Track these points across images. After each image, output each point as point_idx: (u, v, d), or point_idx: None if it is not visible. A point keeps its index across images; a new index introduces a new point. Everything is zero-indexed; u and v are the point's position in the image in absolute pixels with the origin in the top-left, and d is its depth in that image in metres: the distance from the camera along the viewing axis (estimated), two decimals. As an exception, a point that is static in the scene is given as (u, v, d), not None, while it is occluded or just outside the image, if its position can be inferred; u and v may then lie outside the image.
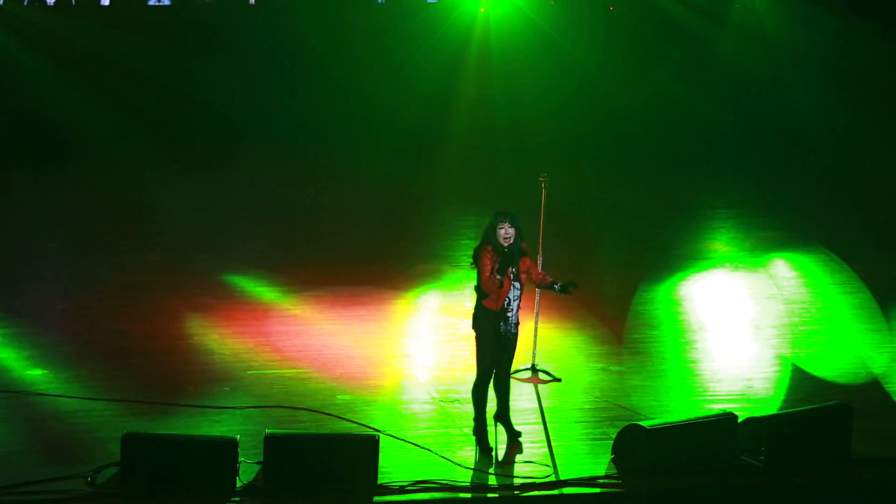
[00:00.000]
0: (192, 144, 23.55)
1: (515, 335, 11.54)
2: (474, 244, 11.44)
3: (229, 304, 15.32)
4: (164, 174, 21.38)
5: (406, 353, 13.87)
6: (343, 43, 24.31)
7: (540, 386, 12.95)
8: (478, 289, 11.41)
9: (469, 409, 12.17)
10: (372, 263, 17.13)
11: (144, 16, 24.12)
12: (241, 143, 23.40)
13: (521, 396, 12.49)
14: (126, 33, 23.80)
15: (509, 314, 11.37)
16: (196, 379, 13.00)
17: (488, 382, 11.57)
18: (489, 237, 11.33)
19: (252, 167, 22.08)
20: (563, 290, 11.67)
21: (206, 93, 23.76)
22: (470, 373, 13.25)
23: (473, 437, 11.58)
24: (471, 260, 11.42)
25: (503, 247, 11.26)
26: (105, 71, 23.71)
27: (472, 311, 11.51)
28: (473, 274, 11.39)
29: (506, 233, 11.27)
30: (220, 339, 14.20)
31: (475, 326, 11.48)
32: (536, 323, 12.78)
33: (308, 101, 24.03)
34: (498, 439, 11.59)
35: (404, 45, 24.51)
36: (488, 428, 11.62)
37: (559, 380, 13.11)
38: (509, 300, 11.33)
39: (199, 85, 23.87)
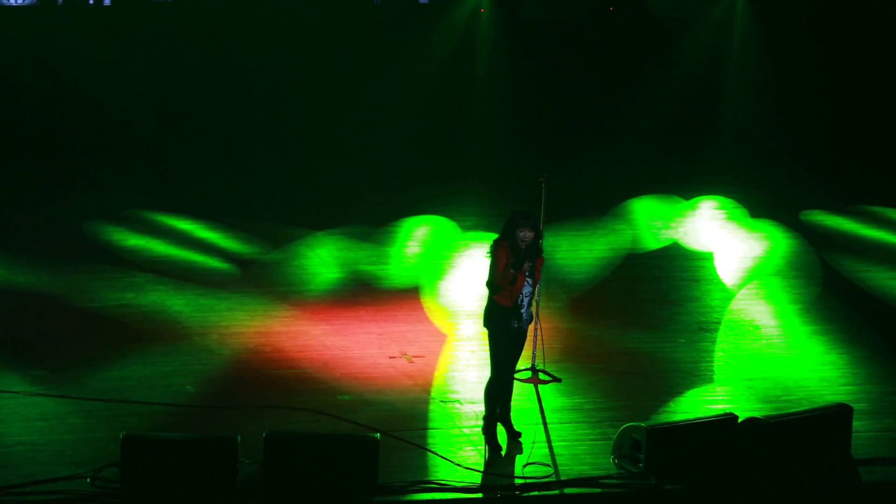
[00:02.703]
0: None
1: (526, 332, 11.55)
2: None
3: (230, 304, 15.32)
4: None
5: (406, 353, 13.87)
6: (342, 42, 24.23)
7: (540, 386, 12.95)
8: (490, 285, 11.40)
9: (469, 409, 12.18)
10: (371, 264, 17.13)
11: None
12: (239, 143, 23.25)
13: (521, 396, 12.49)
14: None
15: (522, 311, 11.37)
16: (196, 379, 13.01)
17: (503, 381, 11.57)
18: (507, 233, 11.35)
19: (251, 167, 22.05)
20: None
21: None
22: (470, 373, 13.30)
23: (483, 436, 11.59)
24: (489, 251, 11.41)
25: (520, 248, 11.28)
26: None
27: (484, 309, 11.50)
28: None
29: (524, 236, 11.27)
30: (220, 339, 14.20)
31: (487, 324, 11.47)
32: (537, 323, 12.77)
33: (307, 101, 23.96)
34: (498, 439, 11.58)
35: (403, 44, 24.42)
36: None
37: (559, 380, 13.12)
38: (522, 296, 11.34)
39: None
